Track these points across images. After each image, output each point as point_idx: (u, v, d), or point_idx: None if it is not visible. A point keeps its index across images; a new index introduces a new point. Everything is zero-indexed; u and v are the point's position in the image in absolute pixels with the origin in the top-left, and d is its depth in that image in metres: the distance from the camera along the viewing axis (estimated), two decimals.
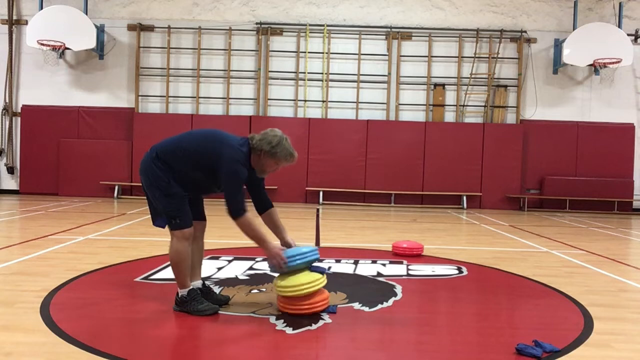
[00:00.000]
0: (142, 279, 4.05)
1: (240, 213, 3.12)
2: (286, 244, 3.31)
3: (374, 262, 5.00)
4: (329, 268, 4.62)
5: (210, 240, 6.18)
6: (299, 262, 3.13)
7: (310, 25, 13.04)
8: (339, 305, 3.36)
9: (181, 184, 3.28)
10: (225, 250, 5.47)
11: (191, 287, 3.26)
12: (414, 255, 5.38)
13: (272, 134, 3.23)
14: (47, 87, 13.08)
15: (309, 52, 13.07)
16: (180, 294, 3.23)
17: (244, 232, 3.17)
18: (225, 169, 3.14)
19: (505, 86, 13.13)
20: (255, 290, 3.75)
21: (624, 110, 13.17)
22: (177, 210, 3.24)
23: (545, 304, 3.73)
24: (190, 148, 3.34)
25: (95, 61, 13.08)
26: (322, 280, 3.16)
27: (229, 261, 4.81)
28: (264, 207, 3.45)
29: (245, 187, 3.30)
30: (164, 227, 3.40)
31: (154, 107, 13.20)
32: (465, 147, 12.81)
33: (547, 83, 13.18)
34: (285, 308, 3.17)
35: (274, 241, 3.25)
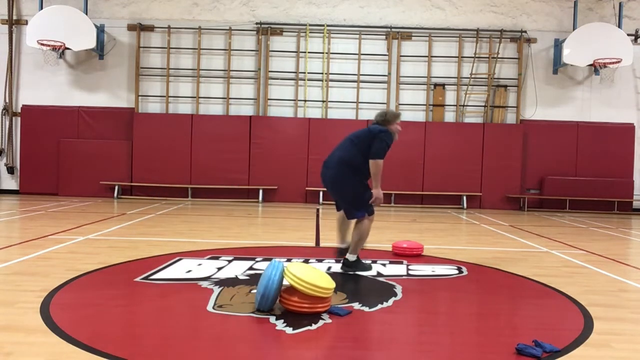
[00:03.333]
0: (142, 279, 4.05)
1: (381, 157, 4.43)
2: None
3: (374, 262, 4.99)
4: (329, 268, 4.62)
5: (210, 240, 6.19)
6: (274, 285, 3.16)
7: (310, 25, 13.04)
8: (339, 306, 3.35)
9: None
10: (225, 250, 5.48)
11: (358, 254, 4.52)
12: (414, 255, 5.38)
13: (385, 111, 4.73)
14: (47, 87, 13.09)
15: (309, 52, 13.07)
16: (350, 259, 4.49)
17: (373, 169, 4.39)
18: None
19: (505, 86, 13.13)
20: (255, 290, 3.74)
21: (624, 110, 13.17)
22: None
23: (545, 304, 3.73)
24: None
25: (95, 61, 13.08)
26: (332, 292, 3.25)
27: (229, 261, 4.81)
28: None
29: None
30: (362, 216, 4.52)
31: (154, 107, 13.20)
32: (465, 147, 12.81)
33: (547, 83, 13.18)
34: (287, 302, 3.17)
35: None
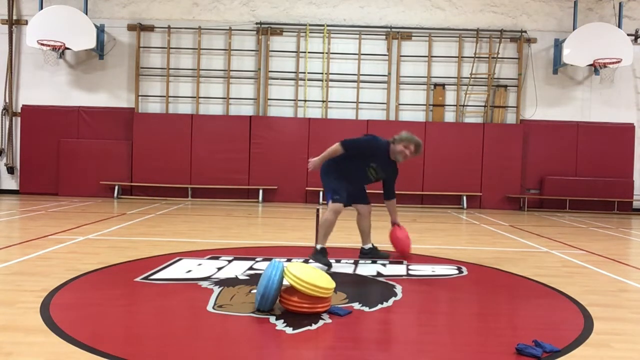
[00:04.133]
0: (142, 279, 4.05)
1: (342, 141, 4.85)
2: (394, 223, 5.33)
3: (374, 262, 5.00)
4: (329, 270, 4.62)
5: (210, 240, 6.19)
6: (274, 285, 3.16)
7: (310, 25, 13.04)
8: (339, 306, 3.35)
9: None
10: (225, 250, 5.48)
11: (324, 245, 4.60)
12: (401, 250, 5.36)
13: (410, 135, 5.04)
14: (47, 87, 13.09)
15: (309, 52, 13.07)
16: (316, 247, 4.59)
17: (330, 149, 4.77)
18: None
19: (505, 86, 13.13)
20: (255, 290, 3.74)
21: (624, 110, 13.17)
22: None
23: (545, 304, 3.73)
24: None
25: (95, 61, 13.08)
26: (332, 292, 3.24)
27: (229, 261, 4.80)
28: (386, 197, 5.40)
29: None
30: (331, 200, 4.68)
31: (154, 107, 13.20)
32: (465, 147, 12.81)
33: (547, 83, 13.18)
34: (287, 302, 3.17)
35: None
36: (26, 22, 12.79)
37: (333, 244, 6.21)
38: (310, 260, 4.49)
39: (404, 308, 3.46)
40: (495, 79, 13.12)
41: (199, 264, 4.63)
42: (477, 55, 13.01)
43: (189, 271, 4.35)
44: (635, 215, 12.48)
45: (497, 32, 13.00)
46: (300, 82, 13.10)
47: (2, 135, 13.19)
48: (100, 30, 12.72)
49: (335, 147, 4.71)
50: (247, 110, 13.21)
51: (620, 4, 12.73)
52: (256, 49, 13.08)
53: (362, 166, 4.83)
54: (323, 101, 13.11)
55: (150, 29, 13.09)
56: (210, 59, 13.15)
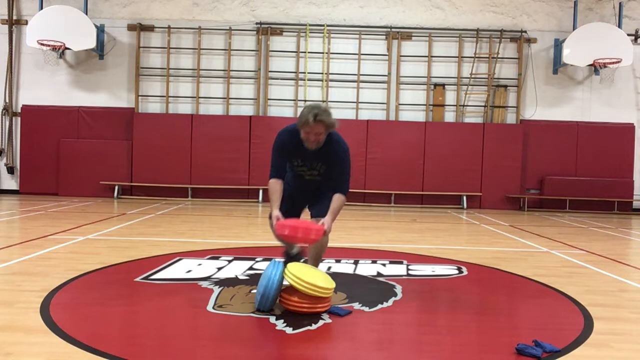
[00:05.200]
0: (142, 279, 4.05)
1: (269, 178, 3.64)
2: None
3: (374, 262, 5.00)
4: (329, 268, 4.62)
5: (210, 240, 6.19)
6: (274, 285, 3.16)
7: (310, 25, 13.04)
8: (339, 306, 3.35)
9: None
10: (225, 250, 5.48)
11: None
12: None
13: (306, 106, 3.51)
14: (47, 87, 13.08)
15: (309, 52, 13.07)
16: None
17: None
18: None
19: (505, 86, 13.13)
20: (255, 290, 3.74)
21: (624, 110, 13.17)
22: None
23: (545, 304, 3.73)
24: None
25: (95, 61, 13.08)
26: (332, 292, 3.24)
27: (229, 261, 4.81)
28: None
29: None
30: None
31: (154, 107, 13.20)
32: (465, 147, 12.81)
33: (547, 83, 13.18)
34: (287, 302, 3.17)
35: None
36: (26, 22, 12.79)
37: (333, 243, 6.21)
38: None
39: (404, 308, 3.46)
40: (495, 79, 13.11)
41: (199, 264, 4.63)
42: (477, 55, 13.01)
43: (189, 271, 4.35)
44: (635, 215, 12.48)
45: (497, 32, 13.00)
46: (300, 82, 13.10)
47: (2, 135, 13.19)
48: (100, 30, 12.71)
49: (269, 186, 3.60)
50: (247, 110, 13.21)
51: (620, 4, 12.73)
52: (256, 49, 13.08)
53: (293, 170, 3.73)
54: (323, 101, 13.10)
55: (150, 29, 13.09)
56: (210, 59, 13.15)
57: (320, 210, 3.69)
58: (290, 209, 3.66)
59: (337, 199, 3.61)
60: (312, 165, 3.63)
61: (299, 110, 13.07)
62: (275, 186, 3.58)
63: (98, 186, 12.73)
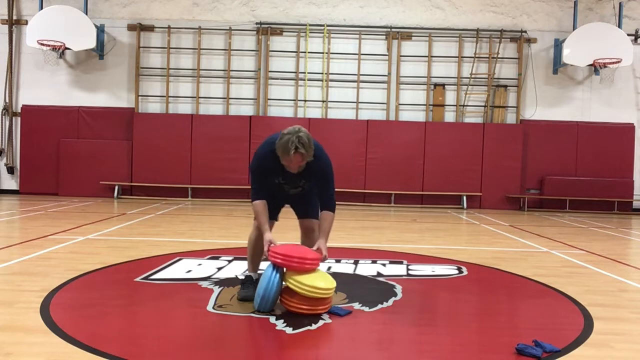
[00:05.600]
0: (142, 279, 4.05)
1: (252, 199, 3.45)
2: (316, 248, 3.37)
3: (374, 262, 5.00)
4: (329, 268, 4.62)
5: (210, 240, 6.19)
6: (274, 287, 3.15)
7: (310, 25, 13.04)
8: (339, 306, 3.35)
9: None
10: (225, 250, 5.48)
11: (248, 273, 3.64)
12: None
13: (285, 132, 3.19)
14: (47, 87, 13.08)
15: (309, 52, 13.07)
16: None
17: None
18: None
19: (505, 86, 13.13)
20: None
21: (624, 110, 13.17)
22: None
23: (545, 304, 3.73)
24: None
25: (95, 61, 13.08)
26: (332, 292, 3.22)
27: (229, 261, 4.81)
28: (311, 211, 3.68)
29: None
30: None
31: (154, 107, 13.20)
32: (465, 147, 12.81)
33: (547, 83, 13.18)
34: (287, 303, 3.17)
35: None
36: (26, 22, 12.79)
37: (333, 244, 6.22)
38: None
39: (404, 308, 3.46)
40: (495, 79, 13.11)
41: (199, 264, 4.63)
42: (477, 55, 13.01)
43: (189, 271, 4.35)
44: (635, 215, 12.48)
45: (497, 32, 13.00)
46: (300, 82, 13.10)
47: (2, 135, 13.19)
48: (100, 30, 12.71)
49: (254, 208, 3.43)
50: (247, 110, 13.21)
51: (620, 4, 12.73)
52: (256, 49, 13.08)
53: (275, 186, 3.51)
54: (323, 101, 13.11)
55: (150, 29, 13.09)
56: (210, 59, 13.15)
57: (307, 211, 3.63)
58: (270, 206, 3.47)
59: (327, 217, 3.45)
60: (294, 183, 3.47)
61: (299, 110, 13.11)
62: (260, 207, 3.41)
63: (98, 186, 12.73)
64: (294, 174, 3.36)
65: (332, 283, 3.21)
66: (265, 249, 3.27)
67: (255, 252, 3.57)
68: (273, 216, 3.58)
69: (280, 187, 3.51)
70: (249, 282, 3.53)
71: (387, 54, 13.09)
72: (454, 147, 12.77)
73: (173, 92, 13.16)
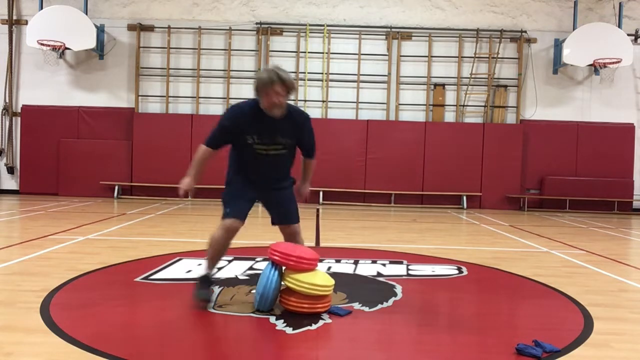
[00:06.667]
0: (142, 279, 4.05)
1: (204, 143, 3.48)
2: (298, 188, 3.66)
3: (374, 262, 5.00)
4: (329, 268, 4.62)
5: None
6: (273, 285, 3.15)
7: (310, 25, 13.04)
8: (339, 306, 3.35)
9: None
10: None
11: (209, 272, 3.46)
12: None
13: (262, 70, 3.28)
14: (47, 87, 13.08)
15: (309, 52, 13.07)
16: (200, 273, 3.49)
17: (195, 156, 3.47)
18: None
19: (505, 86, 13.13)
20: (255, 291, 3.74)
21: (624, 110, 13.17)
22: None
23: (545, 304, 3.73)
24: None
25: (95, 61, 13.08)
26: (332, 288, 3.22)
27: (229, 261, 4.81)
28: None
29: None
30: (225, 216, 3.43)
31: (154, 107, 13.20)
32: (465, 147, 12.81)
33: (547, 83, 13.18)
34: (286, 302, 3.17)
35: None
36: (26, 22, 12.79)
37: (333, 244, 6.22)
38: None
39: (404, 308, 3.46)
40: (495, 79, 13.11)
41: (199, 264, 4.63)
42: (477, 55, 13.01)
43: (189, 271, 4.35)
44: (635, 215, 12.48)
45: (497, 32, 13.00)
46: (300, 82, 13.10)
47: (2, 135, 13.19)
48: (100, 30, 12.71)
49: (200, 150, 3.49)
50: None
51: (620, 4, 12.73)
52: (256, 49, 13.08)
53: (248, 150, 3.37)
54: (323, 101, 13.11)
55: (150, 29, 13.09)
56: (210, 59, 13.15)
57: (287, 215, 3.59)
58: (242, 202, 3.39)
59: (311, 164, 3.64)
60: (272, 138, 3.30)
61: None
62: (207, 154, 3.39)
63: (98, 186, 12.73)
64: (271, 128, 3.26)
65: (330, 281, 3.22)
66: (181, 193, 3.37)
67: (219, 253, 3.39)
68: (241, 214, 3.36)
69: (254, 154, 3.33)
70: (207, 281, 3.37)
71: (387, 54, 13.09)
72: (454, 147, 12.77)
73: (173, 92, 13.16)
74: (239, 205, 3.38)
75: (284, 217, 3.62)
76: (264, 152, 3.35)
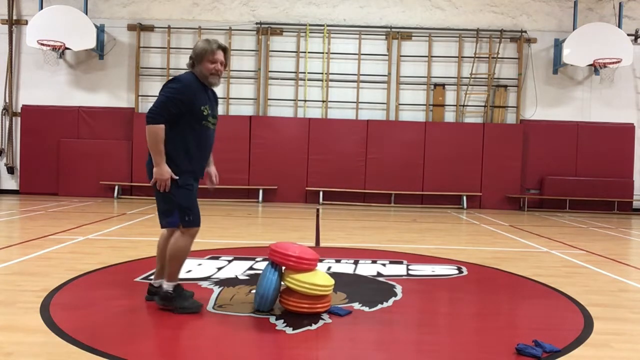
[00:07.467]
0: (142, 279, 4.05)
1: (155, 121, 3.22)
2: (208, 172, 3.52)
3: (374, 262, 5.00)
4: (329, 268, 4.62)
5: (211, 240, 6.18)
6: (273, 285, 3.15)
7: (310, 25, 13.04)
8: (339, 306, 3.35)
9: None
10: (225, 250, 5.48)
11: (178, 282, 3.27)
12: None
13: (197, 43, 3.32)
14: (47, 87, 13.08)
15: (309, 52, 13.07)
16: (165, 288, 3.22)
17: (148, 139, 3.24)
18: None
19: (505, 86, 13.13)
20: (255, 291, 3.74)
21: (624, 110, 13.17)
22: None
23: (545, 304, 3.73)
24: None
25: (95, 61, 13.08)
26: (331, 288, 3.21)
27: (229, 261, 4.81)
28: None
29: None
30: (175, 225, 3.25)
31: None
32: (465, 147, 12.81)
33: (547, 83, 13.18)
34: (286, 302, 3.17)
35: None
36: (26, 22, 12.79)
37: (333, 244, 6.22)
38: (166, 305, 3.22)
39: (404, 308, 3.46)
40: (495, 79, 13.11)
41: (199, 264, 4.63)
42: (477, 55, 13.01)
43: (189, 271, 4.35)
44: (635, 215, 12.48)
45: (497, 32, 13.00)
46: (300, 82, 13.10)
47: (2, 135, 13.19)
48: (100, 30, 12.71)
49: (149, 132, 3.24)
50: (247, 110, 13.21)
51: (620, 4, 12.73)
52: (256, 49, 13.08)
53: (198, 125, 3.21)
54: (323, 101, 13.11)
55: (150, 29, 13.09)
56: None
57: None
58: (197, 203, 3.35)
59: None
60: (214, 111, 3.31)
61: (299, 110, 13.12)
62: (163, 135, 3.18)
63: (98, 186, 12.73)
64: (212, 99, 3.33)
65: (330, 280, 3.22)
66: (164, 184, 3.21)
67: (184, 261, 3.26)
68: (200, 219, 3.33)
69: (203, 129, 3.23)
70: (182, 292, 3.22)
71: (387, 54, 13.09)
72: (454, 147, 12.77)
73: None
74: (198, 210, 3.32)
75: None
76: (213, 127, 3.32)
